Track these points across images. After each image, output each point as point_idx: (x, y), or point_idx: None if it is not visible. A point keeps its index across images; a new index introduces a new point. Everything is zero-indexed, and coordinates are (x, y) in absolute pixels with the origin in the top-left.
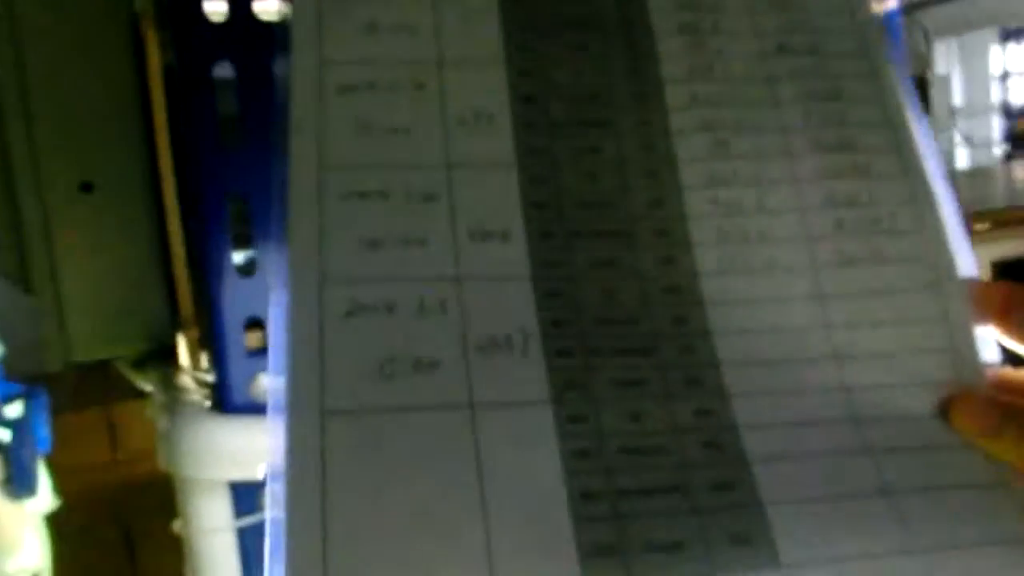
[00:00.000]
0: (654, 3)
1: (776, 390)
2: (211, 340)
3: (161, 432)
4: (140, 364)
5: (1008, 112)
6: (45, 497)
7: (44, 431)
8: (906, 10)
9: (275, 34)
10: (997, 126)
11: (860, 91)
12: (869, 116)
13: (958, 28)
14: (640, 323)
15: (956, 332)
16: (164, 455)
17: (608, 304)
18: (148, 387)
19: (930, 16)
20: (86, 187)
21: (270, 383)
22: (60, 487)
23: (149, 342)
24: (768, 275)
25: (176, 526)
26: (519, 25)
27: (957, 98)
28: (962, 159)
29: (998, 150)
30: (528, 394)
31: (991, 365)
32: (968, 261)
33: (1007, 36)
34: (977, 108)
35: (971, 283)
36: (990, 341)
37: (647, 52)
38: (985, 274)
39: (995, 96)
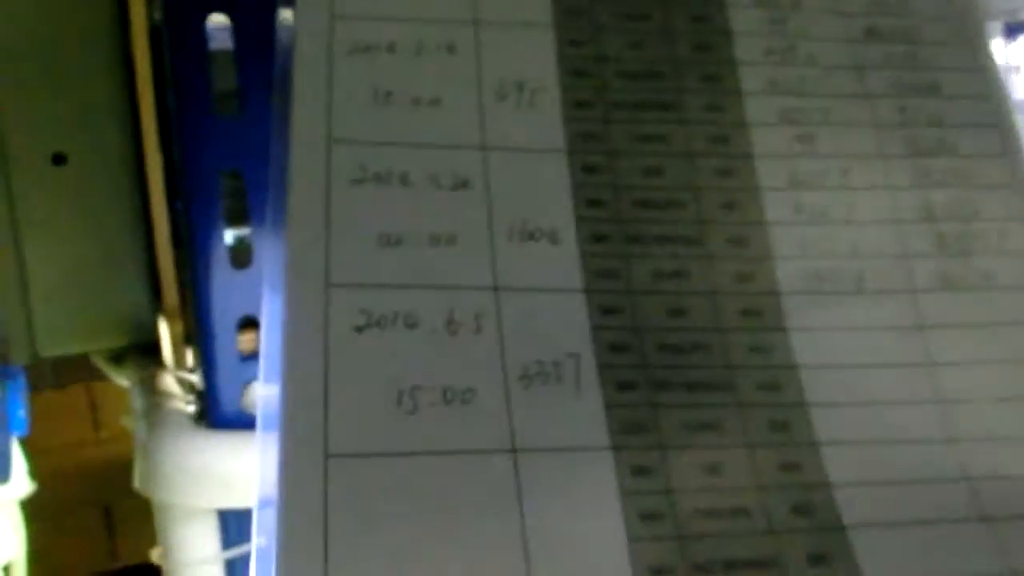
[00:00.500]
0: None
1: (872, 439)
2: (198, 342)
3: (138, 446)
4: (119, 358)
5: None
6: (21, 483)
7: (20, 414)
8: None
9: None
10: None
11: (962, 87)
12: (973, 116)
13: None
14: (714, 351)
15: None
16: (141, 475)
17: (675, 326)
18: (126, 383)
19: None
20: (58, 159)
21: (261, 394)
22: (41, 466)
23: (128, 336)
24: (860, 298)
25: (155, 555)
26: None
27: None
28: None
29: None
30: (583, 438)
31: None
32: None
33: (1011, 31)
34: None
35: None
36: None
37: (718, 26)
38: None
39: None
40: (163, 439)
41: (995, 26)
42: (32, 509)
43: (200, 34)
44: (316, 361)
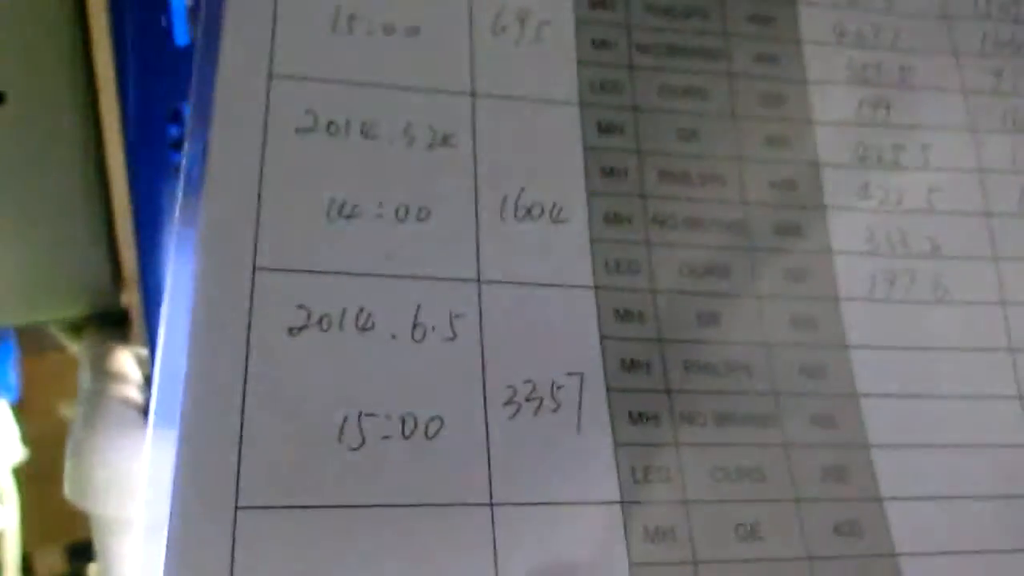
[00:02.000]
0: None
1: (949, 494)
2: (144, 317)
3: (70, 441)
4: (80, 328)
5: None
6: (13, 449)
7: (10, 379)
8: None
9: None
10: None
11: None
12: None
13: None
14: (754, 371)
15: None
16: (71, 478)
17: (708, 337)
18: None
19: None
20: None
21: (155, 391)
22: (44, 428)
23: (83, 305)
24: (938, 309)
25: (93, 573)
26: None
27: None
28: None
29: None
30: (584, 489)
31: None
32: None
33: None
34: None
35: None
36: None
37: None
38: None
39: None
40: (96, 435)
41: None
42: (34, 472)
43: None
44: (229, 375)
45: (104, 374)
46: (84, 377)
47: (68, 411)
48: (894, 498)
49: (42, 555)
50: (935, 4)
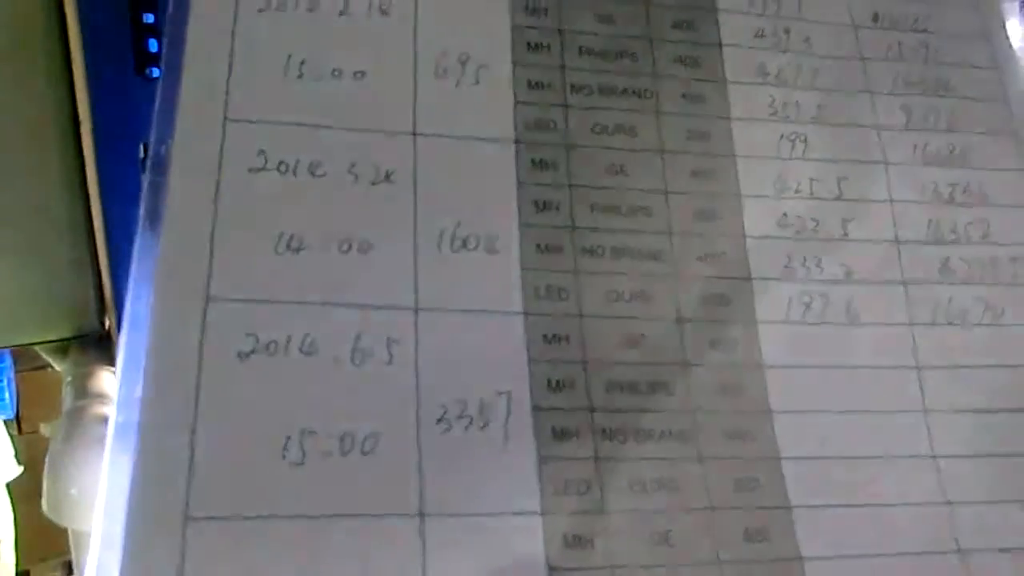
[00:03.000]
0: None
1: (853, 502)
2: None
3: (49, 458)
4: (65, 349)
5: None
6: (7, 466)
7: (5, 396)
8: None
9: None
10: None
11: (978, 87)
12: (989, 121)
13: None
14: (674, 390)
15: None
16: (48, 494)
17: (631, 359)
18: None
19: None
20: None
21: (115, 409)
22: (39, 445)
23: (67, 327)
24: (850, 331)
25: None
26: None
27: None
28: None
29: None
30: (508, 500)
31: None
32: None
33: None
34: None
35: None
36: None
37: (701, 1)
38: None
39: None
40: (73, 453)
41: (1012, 6)
42: (30, 488)
43: None
44: (182, 396)
45: (85, 394)
46: (66, 397)
47: (47, 430)
48: (802, 506)
49: (39, 572)
50: (852, 45)
